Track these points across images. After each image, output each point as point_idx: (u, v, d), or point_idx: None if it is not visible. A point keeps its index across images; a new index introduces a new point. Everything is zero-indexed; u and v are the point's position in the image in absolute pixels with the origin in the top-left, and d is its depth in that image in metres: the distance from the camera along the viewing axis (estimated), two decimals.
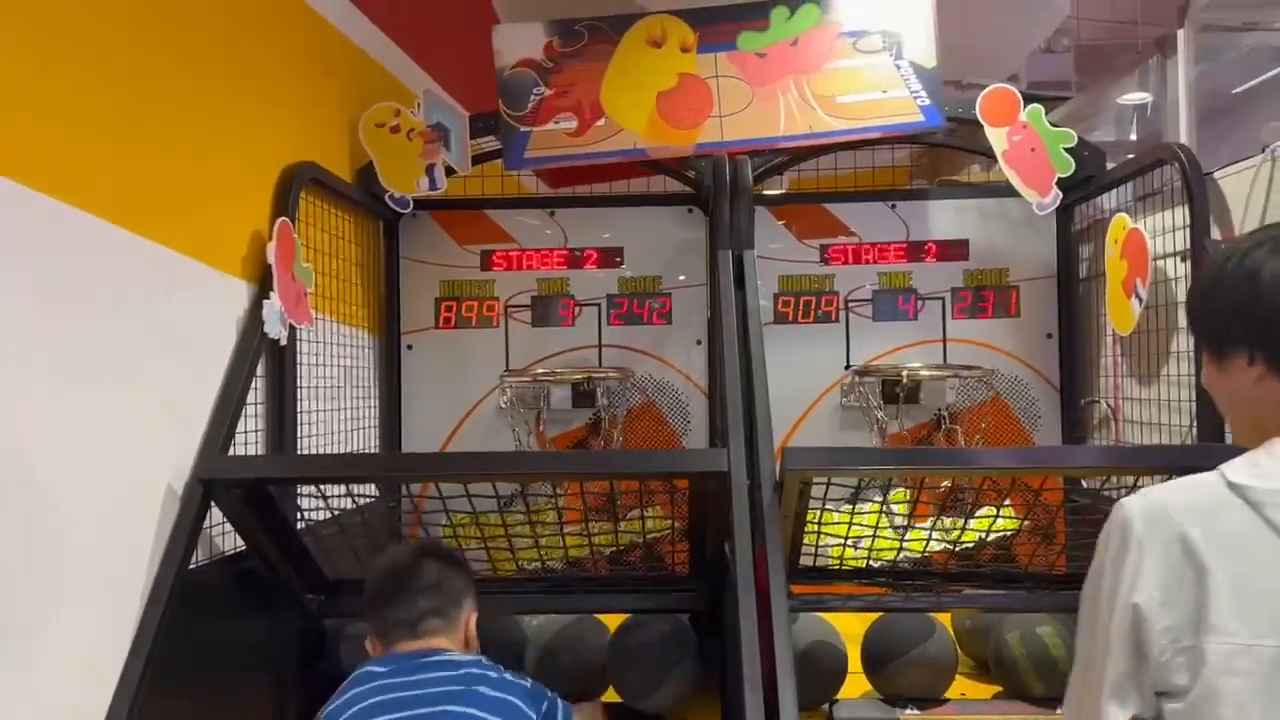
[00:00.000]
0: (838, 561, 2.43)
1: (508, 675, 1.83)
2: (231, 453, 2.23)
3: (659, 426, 3.32)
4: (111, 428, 1.89)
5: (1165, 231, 2.63)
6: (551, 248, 3.36)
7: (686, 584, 2.47)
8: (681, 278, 3.34)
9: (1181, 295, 2.57)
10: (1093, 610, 1.15)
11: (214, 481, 2.06)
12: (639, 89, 2.98)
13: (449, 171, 3.05)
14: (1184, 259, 2.56)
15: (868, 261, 3.32)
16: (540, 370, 3.23)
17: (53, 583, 1.73)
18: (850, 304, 3.31)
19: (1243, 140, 3.26)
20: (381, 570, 1.94)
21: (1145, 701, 1.08)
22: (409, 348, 3.35)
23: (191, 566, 2.05)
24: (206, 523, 2.14)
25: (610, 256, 3.36)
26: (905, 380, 3.04)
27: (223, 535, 2.24)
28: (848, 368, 3.27)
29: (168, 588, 1.94)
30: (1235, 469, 1.11)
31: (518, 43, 3.01)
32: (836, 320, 3.31)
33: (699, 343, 3.32)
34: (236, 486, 2.07)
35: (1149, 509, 1.11)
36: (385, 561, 1.96)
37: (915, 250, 3.30)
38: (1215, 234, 2.54)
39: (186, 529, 2.03)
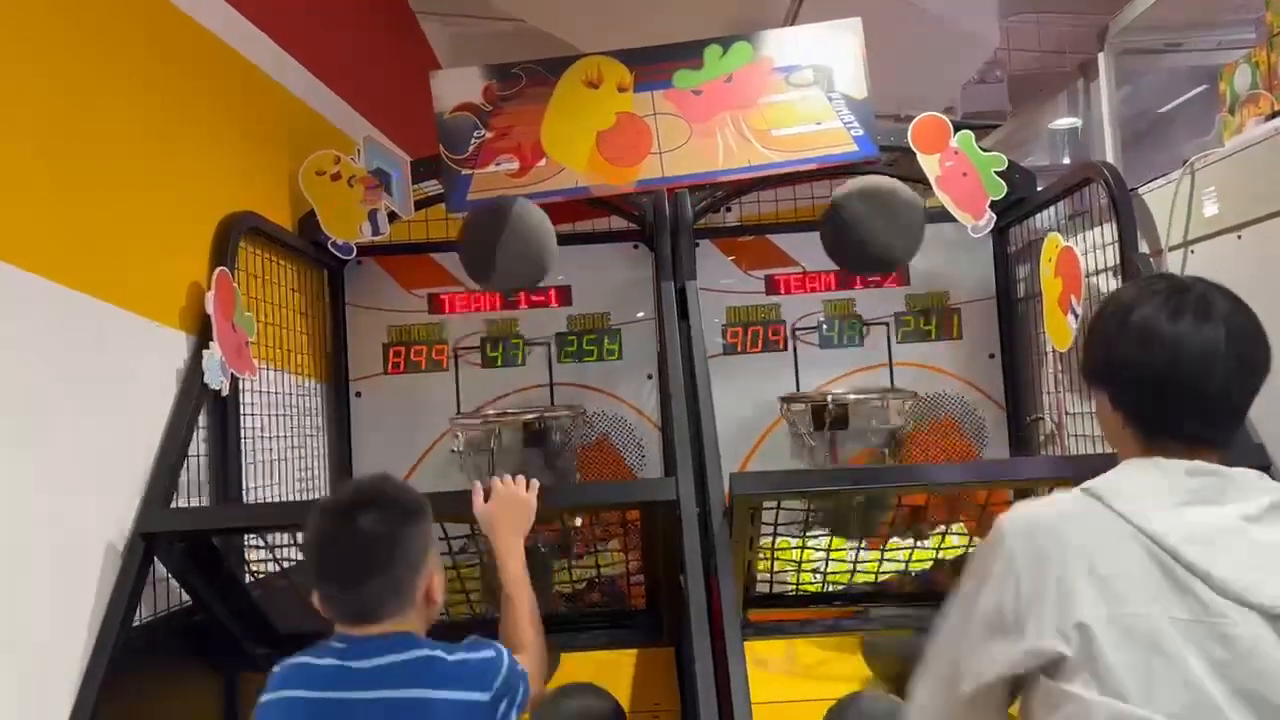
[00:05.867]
0: (794, 588, 2.43)
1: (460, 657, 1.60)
2: (175, 506, 2.19)
3: (613, 462, 3.31)
4: (47, 484, 1.86)
5: (1096, 248, 2.69)
6: None
7: (644, 618, 2.45)
8: (640, 314, 3.35)
9: None
10: None
11: (156, 535, 2.03)
12: (579, 129, 3.01)
13: (392, 217, 3.05)
14: (1115, 274, 2.62)
15: (812, 290, 3.36)
16: (491, 411, 3.22)
17: None
18: (798, 332, 3.34)
19: (1169, 158, 3.37)
20: (318, 535, 1.61)
21: None
22: (358, 394, 3.32)
23: (135, 623, 2.01)
24: (152, 578, 2.10)
25: (559, 295, 3.37)
26: (831, 407, 2.97)
27: (167, 591, 2.19)
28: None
29: (110, 645, 1.90)
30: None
31: (456, 87, 3.04)
32: (785, 349, 3.34)
33: (650, 377, 3.33)
34: (179, 539, 2.04)
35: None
36: (322, 522, 1.61)
37: (857, 277, 3.34)
38: (1143, 248, 2.61)
39: (129, 585, 1.99)
